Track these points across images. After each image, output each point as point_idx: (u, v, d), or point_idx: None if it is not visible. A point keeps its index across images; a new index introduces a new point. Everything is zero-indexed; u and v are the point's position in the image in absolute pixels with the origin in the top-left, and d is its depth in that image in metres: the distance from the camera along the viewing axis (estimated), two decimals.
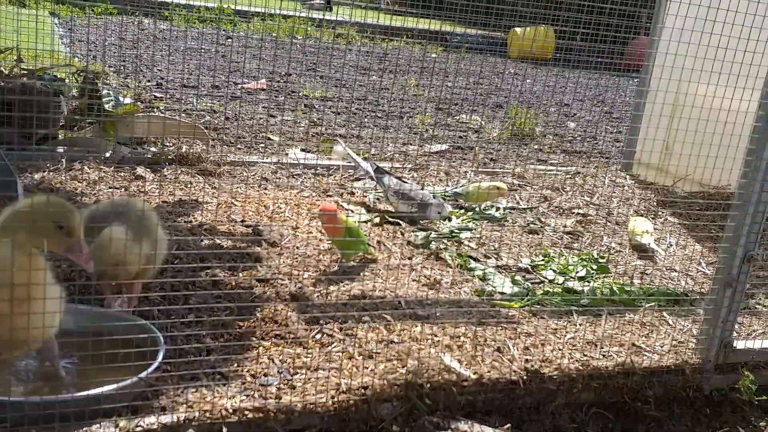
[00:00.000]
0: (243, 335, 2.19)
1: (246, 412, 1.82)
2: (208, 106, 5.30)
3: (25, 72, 3.76)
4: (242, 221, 3.07)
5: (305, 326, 2.25)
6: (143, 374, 1.80)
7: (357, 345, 2.17)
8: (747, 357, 2.48)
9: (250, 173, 3.83)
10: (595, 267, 3.12)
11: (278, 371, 2.01)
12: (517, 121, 5.83)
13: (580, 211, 3.92)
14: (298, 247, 2.88)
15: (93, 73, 4.15)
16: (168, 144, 4.09)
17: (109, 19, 8.21)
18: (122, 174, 3.45)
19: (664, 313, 2.72)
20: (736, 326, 2.54)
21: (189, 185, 3.43)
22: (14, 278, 1.63)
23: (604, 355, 2.33)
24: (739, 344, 2.46)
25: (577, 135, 6.35)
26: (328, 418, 1.90)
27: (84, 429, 1.67)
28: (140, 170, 3.52)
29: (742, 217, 2.29)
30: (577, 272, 3.05)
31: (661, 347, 2.44)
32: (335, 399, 1.91)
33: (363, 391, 1.95)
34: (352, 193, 3.81)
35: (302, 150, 4.46)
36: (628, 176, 4.81)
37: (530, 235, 3.49)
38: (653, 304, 2.78)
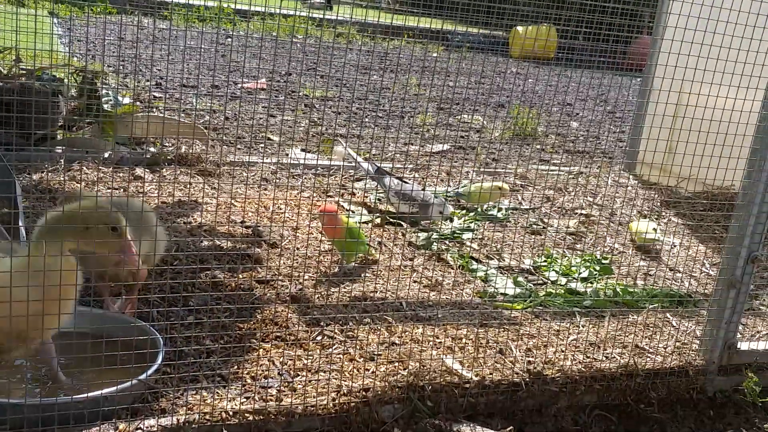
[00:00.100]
0: (243, 337, 2.18)
1: (246, 415, 1.81)
2: (207, 106, 5.28)
3: (24, 72, 3.75)
4: (242, 222, 3.05)
5: (306, 328, 2.23)
6: (143, 376, 1.79)
7: (358, 347, 2.16)
8: (751, 358, 2.47)
9: (249, 173, 3.82)
10: (598, 268, 3.11)
11: (278, 373, 1.99)
12: (519, 120, 5.81)
13: (583, 212, 3.90)
14: (298, 248, 2.87)
15: (92, 72, 4.13)
16: (167, 144, 4.08)
17: (109, 18, 8.19)
18: (121, 174, 3.43)
19: (668, 315, 2.71)
20: (740, 327, 2.53)
21: (188, 186, 3.42)
22: (62, 280, 1.67)
23: (607, 357, 2.32)
24: (743, 345, 2.45)
25: (579, 135, 6.33)
26: (329, 421, 1.89)
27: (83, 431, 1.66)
28: (139, 171, 3.50)
29: (746, 218, 2.28)
30: (579, 273, 3.04)
31: (665, 349, 2.43)
32: (336, 401, 1.90)
33: (364, 393, 1.94)
34: (353, 194, 3.80)
35: (302, 150, 4.44)
36: (631, 176, 4.80)
37: (532, 236, 3.47)
38: (656, 305, 2.76)
